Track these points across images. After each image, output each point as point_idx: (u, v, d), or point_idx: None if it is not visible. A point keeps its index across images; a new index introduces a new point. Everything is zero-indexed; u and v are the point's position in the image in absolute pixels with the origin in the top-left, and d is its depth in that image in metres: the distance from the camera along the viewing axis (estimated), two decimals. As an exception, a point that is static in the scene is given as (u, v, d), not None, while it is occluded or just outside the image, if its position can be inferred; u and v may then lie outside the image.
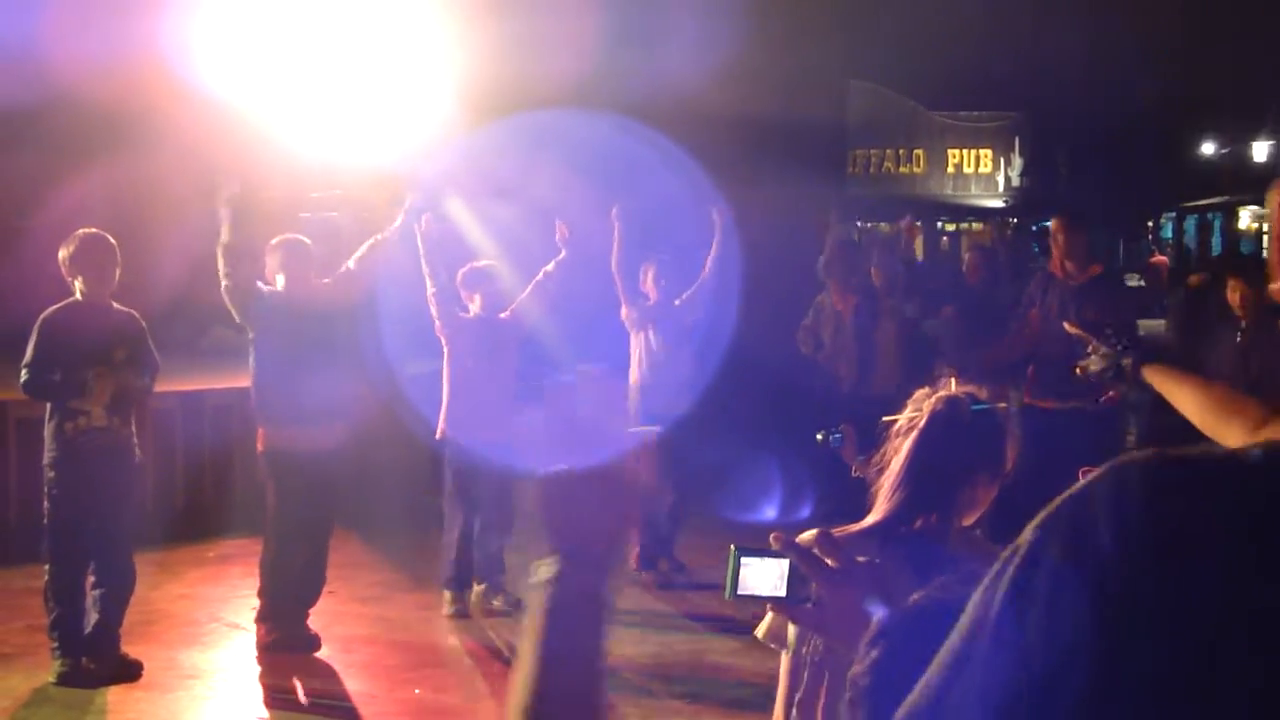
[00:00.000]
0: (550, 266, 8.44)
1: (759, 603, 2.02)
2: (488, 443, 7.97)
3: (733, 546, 2.00)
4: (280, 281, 7.43)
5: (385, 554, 9.43)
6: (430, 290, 8.06)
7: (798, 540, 1.98)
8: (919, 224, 11.89)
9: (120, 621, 6.97)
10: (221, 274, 7.18)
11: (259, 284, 7.35)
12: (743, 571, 1.98)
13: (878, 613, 1.46)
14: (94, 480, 6.78)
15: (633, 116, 13.59)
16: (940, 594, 1.44)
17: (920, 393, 2.92)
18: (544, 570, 1.56)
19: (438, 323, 8.14)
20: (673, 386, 8.87)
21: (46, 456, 6.84)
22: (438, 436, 8.21)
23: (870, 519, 2.84)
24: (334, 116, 8.53)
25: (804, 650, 2.62)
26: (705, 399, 9.17)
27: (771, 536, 1.97)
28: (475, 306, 8.22)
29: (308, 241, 7.59)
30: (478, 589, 8.19)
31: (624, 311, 9.00)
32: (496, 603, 8.09)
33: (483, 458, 7.96)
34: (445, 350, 8.21)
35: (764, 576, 1.97)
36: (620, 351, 9.22)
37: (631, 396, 8.92)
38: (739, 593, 1.98)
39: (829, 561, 1.95)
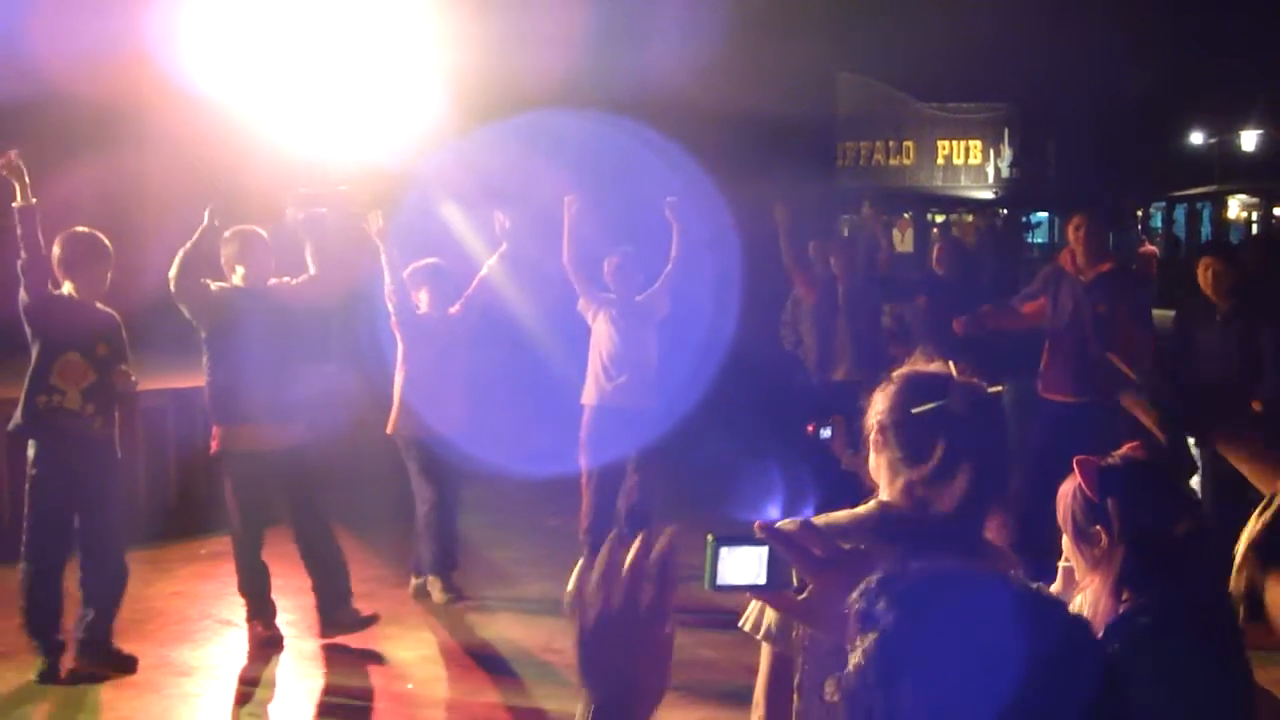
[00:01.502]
0: (493, 260, 8.43)
1: (739, 592, 2.00)
2: (441, 434, 8.02)
3: (710, 536, 1.96)
4: (239, 273, 7.36)
5: (375, 549, 9.43)
6: (388, 286, 8.11)
7: (778, 527, 1.98)
8: (882, 214, 11.82)
9: (112, 619, 6.98)
10: (173, 271, 7.11)
11: (208, 282, 7.28)
12: (721, 562, 1.95)
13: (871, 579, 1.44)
14: (71, 470, 6.79)
15: (620, 112, 13.60)
16: (947, 566, 1.45)
17: (899, 372, 2.90)
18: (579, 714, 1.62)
19: (394, 318, 8.20)
20: (635, 378, 8.76)
21: (11, 424, 6.88)
22: (389, 432, 8.26)
23: (863, 507, 2.83)
24: (323, 113, 8.53)
25: (794, 636, 2.62)
26: (698, 394, 9.18)
27: (755, 525, 1.96)
28: (423, 303, 8.26)
29: (263, 233, 7.49)
30: (415, 582, 8.28)
31: (580, 304, 8.91)
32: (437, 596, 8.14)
33: (436, 451, 8.04)
34: (400, 347, 8.27)
35: (743, 565, 1.95)
36: None
37: (589, 384, 8.84)
38: (718, 583, 1.95)
39: (814, 549, 1.96)
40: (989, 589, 1.41)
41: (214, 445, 7.44)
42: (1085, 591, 2.81)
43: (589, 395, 8.84)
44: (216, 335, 7.29)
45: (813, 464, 8.34)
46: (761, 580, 1.94)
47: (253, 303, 7.29)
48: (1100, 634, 2.68)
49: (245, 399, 7.24)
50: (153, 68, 9.46)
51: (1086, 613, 2.76)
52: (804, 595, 1.94)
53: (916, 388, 2.79)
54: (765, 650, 2.70)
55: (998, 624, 1.34)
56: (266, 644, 7.36)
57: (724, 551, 1.95)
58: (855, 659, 1.38)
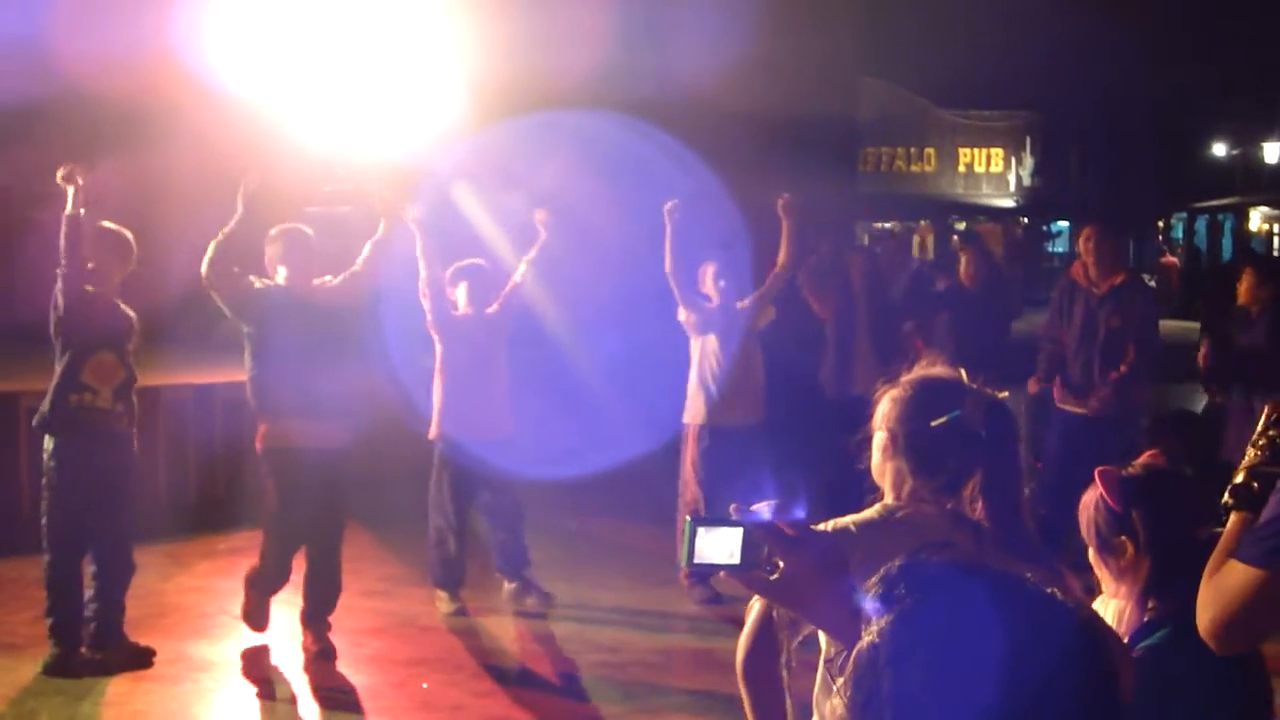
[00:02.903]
0: (532, 253, 8.26)
1: (714, 570, 2.09)
2: (487, 441, 7.95)
3: (688, 517, 2.08)
4: (281, 274, 7.34)
5: (393, 548, 9.45)
6: (422, 275, 7.92)
7: (753, 509, 2.05)
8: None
9: (122, 610, 7.01)
10: (205, 260, 7.07)
11: (252, 278, 7.25)
12: (698, 541, 2.04)
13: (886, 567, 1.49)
14: (93, 465, 6.82)
15: (643, 114, 13.61)
16: (967, 558, 1.48)
17: (908, 378, 2.92)
18: None
19: (430, 317, 8.02)
20: (745, 393, 8.32)
21: (37, 418, 6.89)
22: (431, 436, 8.11)
23: (868, 510, 2.86)
24: (346, 111, 8.54)
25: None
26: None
27: (731, 507, 2.03)
28: (462, 303, 8.14)
29: (309, 232, 7.43)
30: (508, 588, 8.13)
31: (682, 314, 8.42)
32: (530, 601, 8.05)
33: (481, 456, 7.92)
34: (438, 349, 8.11)
35: (719, 545, 2.04)
36: (635, 341, 9.10)
37: (691, 401, 8.40)
38: (695, 561, 2.05)
39: (786, 530, 2.00)
40: (1004, 584, 1.44)
41: (259, 443, 7.35)
42: (1111, 602, 2.81)
43: (692, 413, 8.38)
44: (260, 332, 7.23)
45: (822, 467, 8.36)
46: (735, 560, 2.04)
47: (294, 302, 7.23)
48: (1126, 643, 2.68)
49: (289, 396, 7.16)
50: (178, 66, 9.50)
51: (1112, 623, 2.76)
52: (775, 575, 2.00)
53: (929, 396, 2.81)
54: (759, 605, 2.74)
55: (1009, 617, 1.38)
56: (259, 634, 7.38)
57: (701, 531, 2.05)
58: (869, 638, 1.42)
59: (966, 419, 2.76)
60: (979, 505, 2.81)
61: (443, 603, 8.05)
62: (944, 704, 1.35)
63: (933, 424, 2.77)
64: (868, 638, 1.42)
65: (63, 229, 6.74)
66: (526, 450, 8.17)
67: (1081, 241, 8.96)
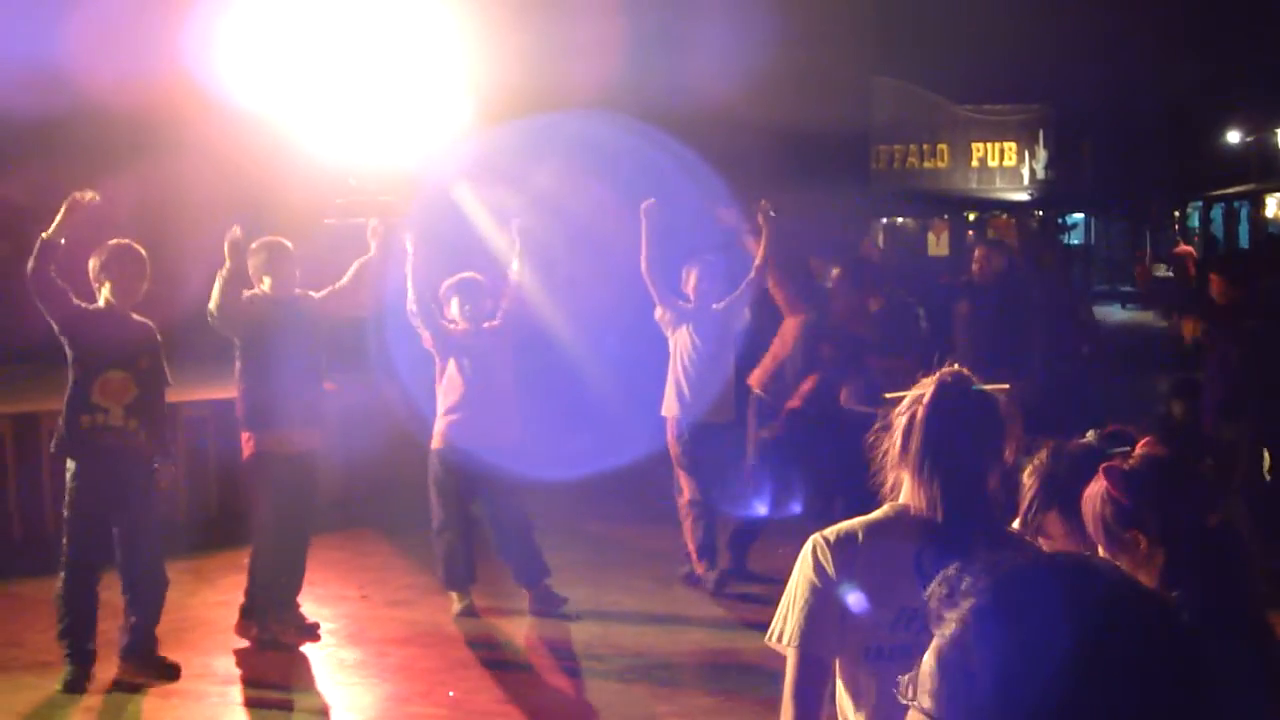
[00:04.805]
0: (515, 265, 8.29)
1: None
2: (490, 449, 7.96)
3: None
4: (266, 283, 7.48)
5: (417, 558, 9.45)
6: (410, 304, 7.97)
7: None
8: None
9: (154, 626, 7.02)
10: (213, 299, 7.27)
11: (242, 291, 7.41)
12: None
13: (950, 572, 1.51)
14: (112, 484, 6.84)
15: (655, 119, 13.61)
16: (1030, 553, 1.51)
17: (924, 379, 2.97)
18: None
19: (424, 334, 8.07)
20: (713, 391, 8.49)
21: (54, 444, 6.94)
22: (434, 447, 8.11)
23: (878, 511, 2.89)
24: (358, 124, 8.57)
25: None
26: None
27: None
28: (456, 317, 8.16)
29: (289, 244, 7.62)
30: (529, 596, 8.14)
31: (657, 312, 8.62)
32: (548, 609, 8.08)
33: (482, 466, 7.94)
34: (437, 364, 8.16)
35: None
36: (641, 344, 9.08)
37: (668, 398, 8.60)
38: None
39: None
40: (1084, 570, 1.49)
41: (247, 450, 7.49)
42: None
43: (670, 408, 8.59)
44: (250, 343, 7.45)
45: (823, 469, 8.33)
46: None
47: (281, 311, 7.45)
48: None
49: (278, 405, 7.38)
50: (189, 79, 9.52)
51: None
52: None
53: (925, 390, 2.88)
54: (791, 655, 2.77)
55: (1085, 599, 1.43)
56: (263, 644, 7.46)
57: None
58: (948, 629, 1.44)
59: (925, 398, 2.83)
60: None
61: (454, 602, 8.08)
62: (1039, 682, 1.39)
63: (886, 395, 2.89)
64: (946, 630, 1.44)
65: (34, 251, 6.71)
66: (534, 457, 8.21)
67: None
